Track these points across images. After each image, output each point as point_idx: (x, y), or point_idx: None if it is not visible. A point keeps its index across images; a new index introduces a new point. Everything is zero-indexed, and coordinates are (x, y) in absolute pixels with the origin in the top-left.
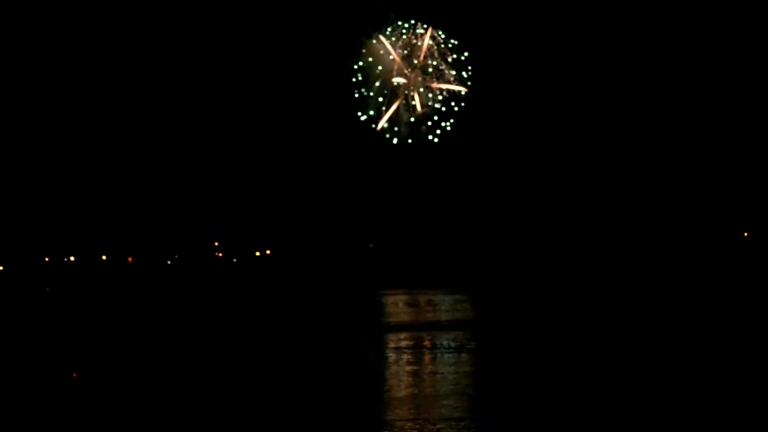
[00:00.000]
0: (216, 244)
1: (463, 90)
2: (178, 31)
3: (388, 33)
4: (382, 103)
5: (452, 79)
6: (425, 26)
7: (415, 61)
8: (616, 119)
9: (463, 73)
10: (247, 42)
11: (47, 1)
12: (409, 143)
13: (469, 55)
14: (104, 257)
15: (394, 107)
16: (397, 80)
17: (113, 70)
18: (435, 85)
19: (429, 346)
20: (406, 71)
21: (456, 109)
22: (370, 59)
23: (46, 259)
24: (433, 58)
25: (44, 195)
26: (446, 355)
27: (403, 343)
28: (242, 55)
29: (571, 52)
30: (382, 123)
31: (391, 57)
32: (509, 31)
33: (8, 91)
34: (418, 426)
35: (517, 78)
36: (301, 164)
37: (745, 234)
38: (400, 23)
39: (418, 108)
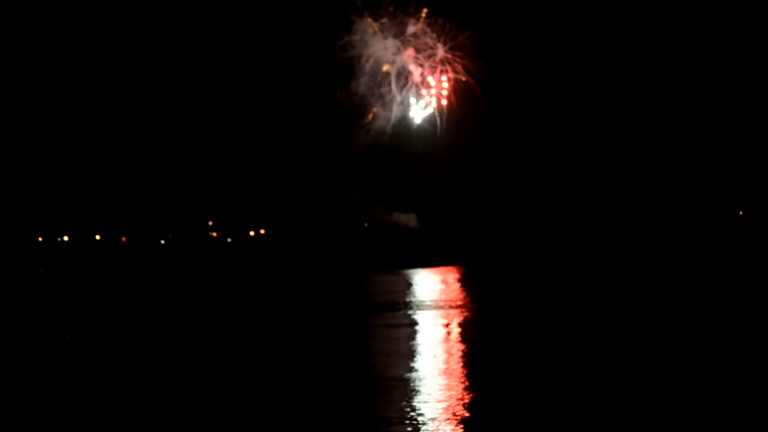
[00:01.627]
0: (210, 223)
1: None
2: (167, 21)
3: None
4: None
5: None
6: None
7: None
8: (614, 101)
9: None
10: (241, 26)
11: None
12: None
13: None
14: (98, 237)
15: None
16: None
17: (108, 56)
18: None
19: (409, 324)
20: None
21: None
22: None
23: (40, 239)
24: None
25: (38, 175)
26: (425, 335)
27: (389, 322)
28: (235, 38)
29: (568, 39)
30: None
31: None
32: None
33: (5, 77)
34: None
35: (517, 64)
36: (295, 143)
37: (741, 213)
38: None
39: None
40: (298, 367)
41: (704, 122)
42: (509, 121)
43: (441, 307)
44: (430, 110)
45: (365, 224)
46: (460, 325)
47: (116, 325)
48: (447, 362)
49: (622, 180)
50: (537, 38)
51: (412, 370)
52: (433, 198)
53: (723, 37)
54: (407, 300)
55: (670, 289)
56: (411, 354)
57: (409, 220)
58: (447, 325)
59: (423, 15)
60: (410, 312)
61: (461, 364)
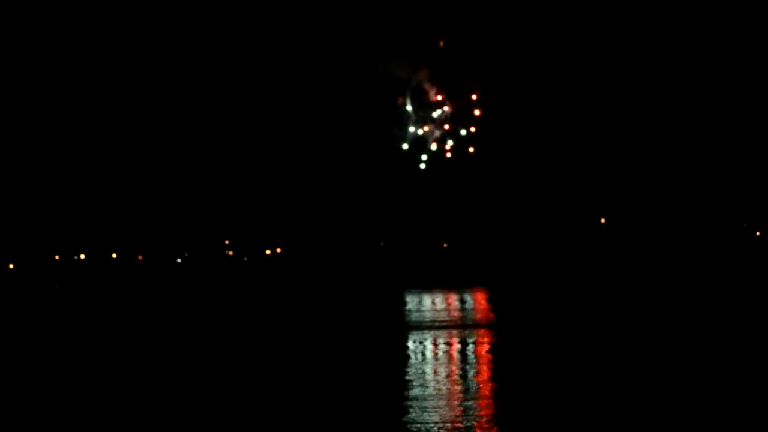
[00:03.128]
0: (226, 242)
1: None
2: (177, 25)
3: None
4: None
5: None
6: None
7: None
8: (628, 115)
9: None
10: (256, 38)
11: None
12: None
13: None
14: (114, 255)
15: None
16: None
17: (122, 66)
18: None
19: (435, 344)
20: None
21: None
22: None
23: (56, 257)
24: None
25: (54, 193)
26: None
27: (417, 344)
28: (251, 51)
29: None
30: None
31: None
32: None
33: (15, 88)
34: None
35: (527, 72)
36: (310, 162)
37: (757, 233)
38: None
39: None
40: (340, 386)
41: (722, 140)
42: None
43: (463, 327)
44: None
45: (381, 243)
46: (491, 344)
47: (133, 343)
48: (481, 379)
49: (645, 201)
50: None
51: (444, 386)
52: (453, 216)
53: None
54: (428, 319)
55: (678, 304)
56: (446, 372)
57: (427, 238)
58: (475, 345)
59: (440, 44)
60: (431, 332)
61: (495, 381)
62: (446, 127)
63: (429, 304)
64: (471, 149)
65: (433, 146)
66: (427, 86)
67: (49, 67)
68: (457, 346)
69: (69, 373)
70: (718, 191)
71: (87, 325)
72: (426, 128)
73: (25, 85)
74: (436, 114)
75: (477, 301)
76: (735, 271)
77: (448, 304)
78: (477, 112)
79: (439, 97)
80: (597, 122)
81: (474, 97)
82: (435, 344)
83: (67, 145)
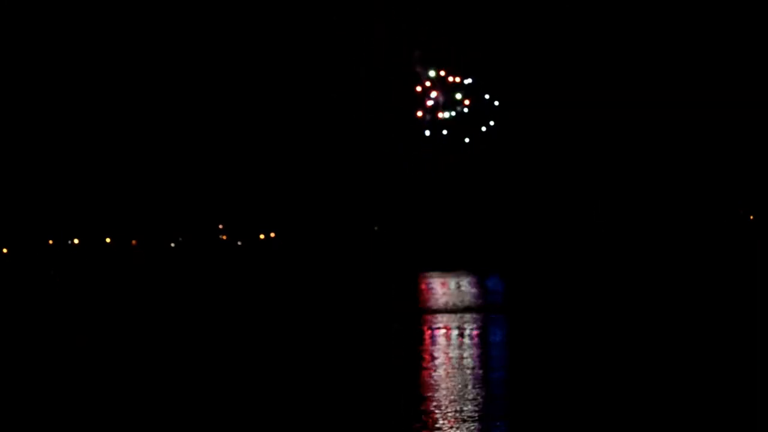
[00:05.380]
0: (220, 226)
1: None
2: (176, 18)
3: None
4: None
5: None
6: None
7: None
8: (630, 112)
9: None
10: (244, 23)
11: None
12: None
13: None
14: (108, 240)
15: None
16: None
17: (116, 51)
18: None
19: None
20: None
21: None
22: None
23: (50, 241)
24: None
25: (47, 178)
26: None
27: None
28: (244, 36)
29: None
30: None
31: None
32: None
33: (8, 73)
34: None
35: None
36: (304, 146)
37: (751, 217)
38: None
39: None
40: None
41: (726, 129)
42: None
43: (461, 311)
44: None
45: (375, 227)
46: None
47: (130, 330)
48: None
49: (636, 185)
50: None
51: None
52: (443, 200)
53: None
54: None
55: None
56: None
57: (419, 221)
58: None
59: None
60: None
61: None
62: (442, 114)
63: (424, 287)
64: (467, 139)
65: (427, 132)
66: (419, 71)
67: (40, 51)
68: (453, 331)
69: (62, 361)
70: (716, 179)
71: (81, 312)
72: (420, 114)
73: (18, 71)
74: (430, 101)
75: (469, 286)
76: (735, 256)
77: (443, 286)
78: (467, 101)
79: (431, 84)
80: (597, 119)
81: (465, 81)
82: (431, 329)
83: (61, 130)
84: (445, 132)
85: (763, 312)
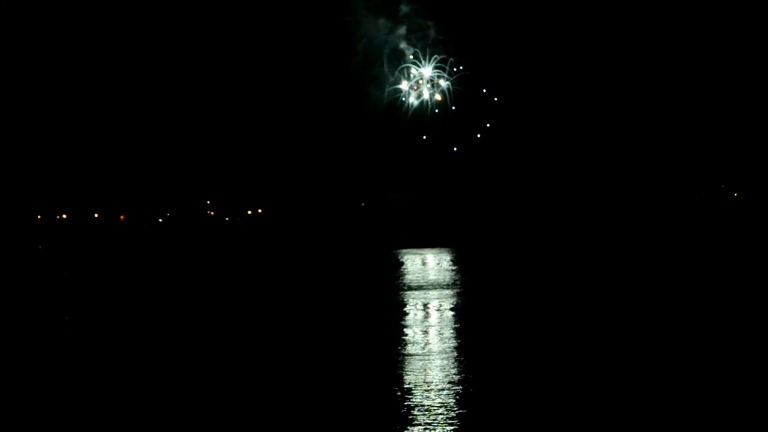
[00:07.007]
0: (208, 202)
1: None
2: (173, 11)
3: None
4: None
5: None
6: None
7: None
8: (610, 85)
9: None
10: (239, 12)
11: None
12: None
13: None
14: (96, 215)
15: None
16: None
17: (108, 35)
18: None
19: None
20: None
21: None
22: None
23: (39, 216)
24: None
25: (37, 154)
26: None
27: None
28: (232, 23)
29: (562, 26)
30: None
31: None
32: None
33: (4, 59)
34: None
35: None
36: (292, 124)
37: (735, 194)
38: None
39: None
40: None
41: (699, 105)
42: (502, 104)
43: (435, 288)
44: (423, 93)
45: (362, 204)
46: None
47: (118, 307)
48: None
49: (617, 160)
50: (528, 20)
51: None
52: (427, 177)
53: (719, 28)
54: (408, 282)
55: (663, 276)
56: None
57: (403, 198)
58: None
59: None
60: (412, 292)
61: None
62: (423, 93)
63: (407, 263)
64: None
65: (414, 101)
66: (404, 48)
67: (34, 36)
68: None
69: (48, 338)
70: (697, 156)
71: (69, 288)
72: (404, 86)
73: (11, 54)
74: (412, 77)
75: (445, 261)
76: (715, 231)
77: (424, 263)
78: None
79: (415, 59)
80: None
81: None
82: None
83: (51, 108)
84: (436, 111)
85: (735, 285)
